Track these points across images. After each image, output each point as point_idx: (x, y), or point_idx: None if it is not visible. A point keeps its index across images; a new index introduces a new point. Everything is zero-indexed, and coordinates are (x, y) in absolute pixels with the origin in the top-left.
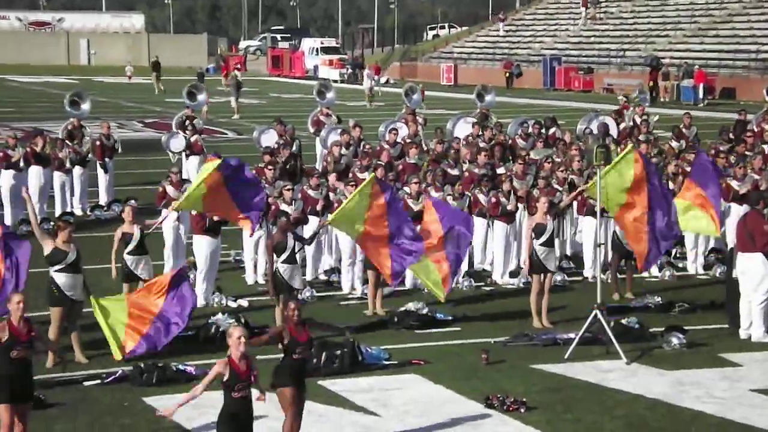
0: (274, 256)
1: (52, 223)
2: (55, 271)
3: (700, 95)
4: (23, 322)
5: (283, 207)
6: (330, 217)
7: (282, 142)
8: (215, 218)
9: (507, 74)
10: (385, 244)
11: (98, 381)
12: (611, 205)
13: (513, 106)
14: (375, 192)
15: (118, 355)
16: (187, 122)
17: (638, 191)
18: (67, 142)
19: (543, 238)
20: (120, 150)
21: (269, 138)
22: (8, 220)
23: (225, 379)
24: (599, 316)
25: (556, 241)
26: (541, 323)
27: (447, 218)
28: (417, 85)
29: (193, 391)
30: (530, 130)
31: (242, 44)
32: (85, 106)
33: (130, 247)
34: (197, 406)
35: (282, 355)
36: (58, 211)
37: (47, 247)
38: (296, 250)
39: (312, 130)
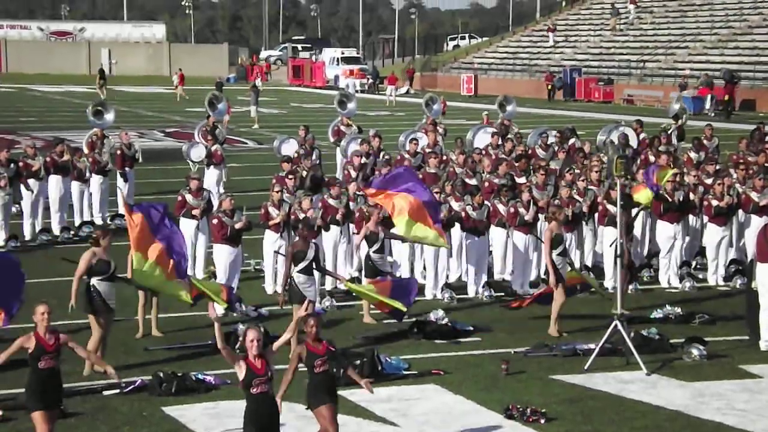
0: (292, 264)
1: (94, 234)
2: (98, 280)
3: (707, 106)
4: (50, 332)
5: (302, 216)
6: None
7: (302, 152)
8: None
9: (549, 87)
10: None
11: (117, 390)
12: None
13: (534, 117)
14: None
15: (189, 299)
16: (211, 130)
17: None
18: (87, 151)
19: (559, 249)
20: (140, 159)
21: (290, 147)
22: (26, 230)
23: (242, 377)
24: (619, 326)
25: (577, 252)
26: (558, 332)
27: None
28: (439, 96)
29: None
30: (549, 140)
31: (263, 54)
32: (109, 116)
33: None
34: (216, 416)
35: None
36: (77, 221)
37: (90, 259)
38: (314, 263)
39: (332, 139)
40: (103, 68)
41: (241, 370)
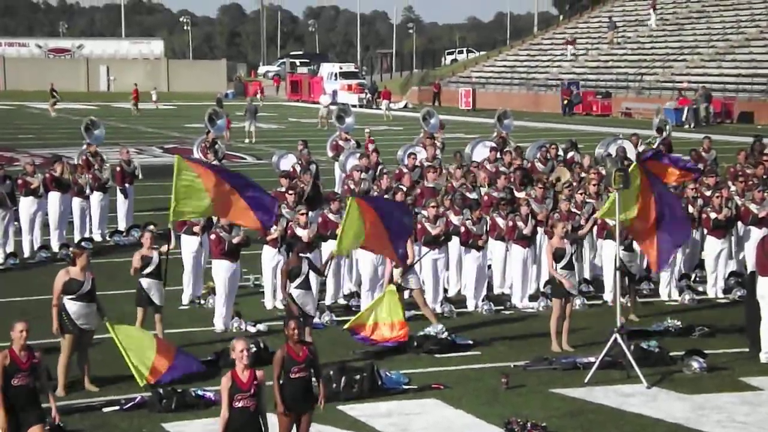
0: (288, 281)
1: (70, 250)
2: (69, 299)
3: (683, 118)
4: (25, 350)
5: (298, 231)
6: (335, 248)
7: (299, 168)
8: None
9: (566, 101)
10: (389, 242)
11: (117, 407)
12: (625, 218)
13: (532, 130)
14: (363, 210)
15: (142, 382)
16: (211, 146)
17: (645, 201)
18: (87, 167)
19: (563, 262)
20: (140, 176)
21: (288, 163)
22: (26, 247)
23: (228, 389)
24: (619, 339)
25: (576, 265)
26: (561, 347)
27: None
28: (434, 111)
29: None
30: (548, 154)
31: (261, 69)
32: (98, 132)
33: (147, 271)
34: None
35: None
36: (77, 237)
37: (63, 278)
38: (310, 277)
39: (331, 154)
40: (54, 86)
41: (228, 383)
